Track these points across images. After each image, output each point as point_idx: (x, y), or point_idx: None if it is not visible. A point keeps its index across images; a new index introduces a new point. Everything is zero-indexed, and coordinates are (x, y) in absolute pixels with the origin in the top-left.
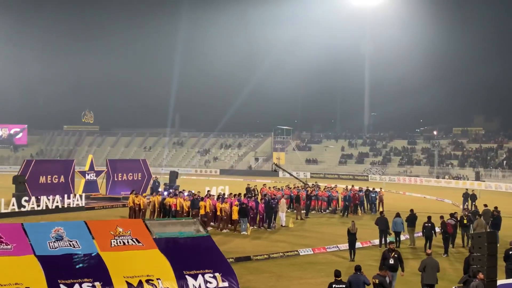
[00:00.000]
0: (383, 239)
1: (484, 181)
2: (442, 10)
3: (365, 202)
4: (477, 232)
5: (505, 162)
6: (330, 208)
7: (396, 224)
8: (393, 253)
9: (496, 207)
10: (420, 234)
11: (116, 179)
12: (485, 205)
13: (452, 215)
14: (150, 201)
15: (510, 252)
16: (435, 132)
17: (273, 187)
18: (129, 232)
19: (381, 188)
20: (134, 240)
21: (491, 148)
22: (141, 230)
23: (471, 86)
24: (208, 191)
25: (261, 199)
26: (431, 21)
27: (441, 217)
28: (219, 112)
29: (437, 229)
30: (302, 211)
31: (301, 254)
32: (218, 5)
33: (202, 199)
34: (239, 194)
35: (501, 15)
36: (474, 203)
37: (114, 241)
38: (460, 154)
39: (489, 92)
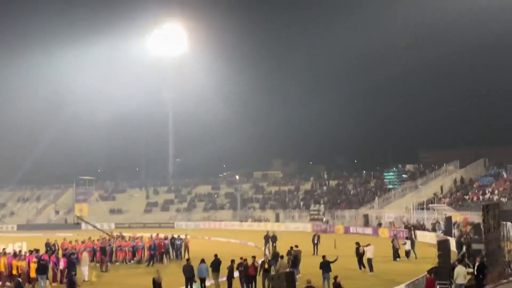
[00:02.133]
0: (189, 286)
1: (283, 222)
2: (239, 57)
3: (170, 250)
4: (276, 274)
5: (302, 203)
6: (135, 258)
7: (201, 270)
8: None
9: (296, 246)
10: (225, 278)
11: None
12: (296, 246)
13: (253, 258)
14: None
15: None
16: (237, 177)
17: (75, 240)
18: None
19: (186, 235)
20: None
21: (289, 191)
22: None
23: (269, 132)
24: (4, 248)
25: (62, 254)
26: (230, 67)
27: (243, 259)
28: (14, 163)
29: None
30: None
31: None
32: (19, 49)
33: None
34: (37, 250)
35: (302, 59)
36: (274, 244)
37: None
38: (261, 197)
39: (285, 137)
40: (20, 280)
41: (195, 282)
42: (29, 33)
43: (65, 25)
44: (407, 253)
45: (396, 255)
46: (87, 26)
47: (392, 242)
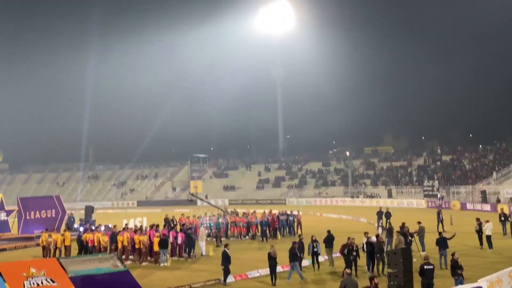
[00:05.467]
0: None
1: (396, 198)
2: (348, 33)
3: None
4: (392, 249)
5: (414, 179)
6: (249, 234)
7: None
8: None
9: (403, 223)
10: (338, 254)
11: (28, 217)
12: (419, 222)
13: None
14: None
15: (425, 267)
16: (347, 153)
17: (193, 216)
18: (43, 272)
19: (298, 211)
20: (49, 280)
21: (401, 166)
22: (55, 270)
23: (378, 107)
24: (126, 224)
25: (180, 229)
26: (338, 44)
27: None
28: (133, 143)
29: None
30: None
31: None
32: (129, 36)
33: (119, 232)
34: (157, 225)
35: (403, 37)
36: (388, 220)
37: (27, 283)
38: (372, 173)
39: (396, 112)
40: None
41: (303, 258)
42: (142, 15)
43: (175, 7)
44: None
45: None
46: (198, 6)
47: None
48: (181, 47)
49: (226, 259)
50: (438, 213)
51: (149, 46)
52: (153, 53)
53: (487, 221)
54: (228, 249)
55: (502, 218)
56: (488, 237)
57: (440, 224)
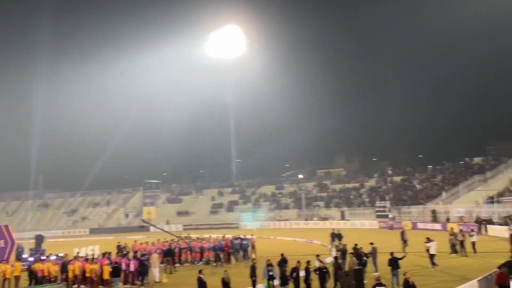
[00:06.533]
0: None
1: (349, 219)
2: (299, 56)
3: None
4: (345, 271)
5: (367, 200)
6: (203, 259)
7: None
8: None
9: (355, 244)
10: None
11: None
12: (371, 243)
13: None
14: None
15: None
16: (300, 176)
17: (145, 242)
18: None
19: (252, 235)
20: None
21: (353, 188)
22: None
23: (330, 130)
24: (77, 252)
25: (133, 256)
26: (289, 67)
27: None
28: (85, 170)
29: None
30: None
31: None
32: (80, 60)
33: (70, 261)
34: (109, 253)
35: (363, 56)
36: (340, 241)
37: None
38: (325, 195)
39: (347, 134)
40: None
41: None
42: (92, 40)
43: (126, 32)
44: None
45: (454, 249)
46: (148, 32)
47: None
48: (133, 72)
49: (201, 285)
50: (402, 233)
51: (101, 71)
52: (105, 78)
53: (431, 240)
54: (202, 275)
55: (451, 237)
56: (432, 256)
57: (404, 244)
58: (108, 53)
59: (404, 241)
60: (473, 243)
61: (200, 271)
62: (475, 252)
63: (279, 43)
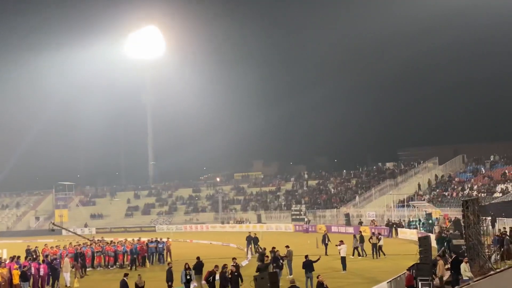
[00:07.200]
0: None
1: (265, 223)
2: (218, 59)
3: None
4: (260, 274)
5: (283, 203)
6: (117, 263)
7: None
8: None
9: (273, 247)
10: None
11: None
12: (287, 246)
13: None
14: None
15: None
16: (218, 179)
17: (56, 246)
18: None
19: (168, 238)
20: None
21: (270, 191)
22: None
23: (248, 133)
24: None
25: (43, 260)
26: (208, 70)
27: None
28: None
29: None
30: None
31: None
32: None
33: None
34: (18, 257)
35: (280, 60)
36: (256, 245)
37: None
38: (242, 199)
39: (265, 138)
40: None
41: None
42: (12, 38)
43: (44, 30)
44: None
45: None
46: (66, 30)
47: (369, 240)
48: (48, 71)
49: None
50: (324, 237)
51: (15, 67)
52: (18, 74)
53: (341, 243)
54: (127, 278)
55: (354, 240)
56: (343, 258)
57: (326, 247)
58: (23, 49)
59: (326, 244)
60: (380, 247)
61: (125, 275)
62: (384, 254)
63: (199, 44)
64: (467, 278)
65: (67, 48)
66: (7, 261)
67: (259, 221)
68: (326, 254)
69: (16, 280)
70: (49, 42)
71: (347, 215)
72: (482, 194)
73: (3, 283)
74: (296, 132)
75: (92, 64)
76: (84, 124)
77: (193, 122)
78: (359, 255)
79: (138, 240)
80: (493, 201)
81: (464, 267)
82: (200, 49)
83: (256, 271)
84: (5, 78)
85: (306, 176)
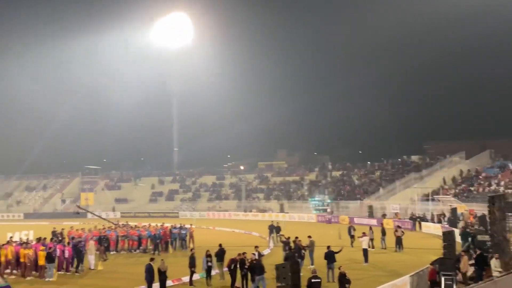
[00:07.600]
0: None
1: (288, 212)
2: (245, 48)
3: (176, 239)
4: (281, 263)
5: (306, 193)
6: (140, 247)
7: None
8: None
9: (296, 237)
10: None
11: None
12: (309, 236)
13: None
14: None
15: (312, 281)
16: (242, 167)
17: (81, 229)
18: None
19: (191, 225)
20: None
21: (293, 181)
22: None
23: (273, 122)
24: (11, 237)
25: (68, 242)
26: (235, 58)
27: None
28: (21, 153)
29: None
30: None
31: None
32: (23, 41)
33: (3, 246)
34: (44, 238)
35: (307, 49)
36: (278, 234)
37: None
38: (266, 188)
39: (290, 127)
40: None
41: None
42: (39, 24)
43: (72, 16)
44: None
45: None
46: (92, 17)
47: (394, 233)
48: (75, 57)
49: (149, 273)
50: (349, 229)
51: (43, 56)
52: (46, 61)
53: (364, 235)
54: (153, 263)
55: (382, 234)
56: (364, 251)
57: (352, 239)
58: (51, 37)
59: (352, 236)
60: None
61: (151, 259)
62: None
63: (227, 33)
64: (497, 273)
65: (94, 34)
66: (33, 242)
67: (282, 210)
68: (352, 245)
69: (41, 261)
70: (77, 28)
71: (370, 207)
72: (509, 190)
73: (29, 264)
74: (321, 122)
75: (119, 50)
76: (111, 110)
77: (218, 110)
78: (372, 247)
79: (162, 225)
80: None
81: (495, 263)
82: (227, 38)
83: (284, 260)
84: (34, 63)
85: (330, 166)
